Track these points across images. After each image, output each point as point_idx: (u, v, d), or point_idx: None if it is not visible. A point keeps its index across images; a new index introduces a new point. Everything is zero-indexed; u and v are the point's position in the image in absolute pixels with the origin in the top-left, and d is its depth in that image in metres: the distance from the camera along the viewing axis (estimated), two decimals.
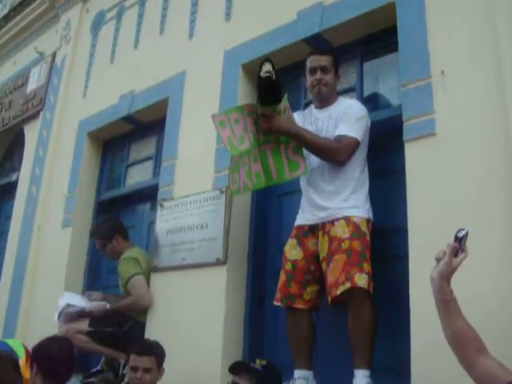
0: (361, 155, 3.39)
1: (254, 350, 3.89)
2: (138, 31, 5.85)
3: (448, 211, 2.99)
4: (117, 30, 6.18)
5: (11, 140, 8.01)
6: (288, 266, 3.40)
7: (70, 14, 7.01)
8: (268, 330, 4.04)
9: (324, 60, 3.51)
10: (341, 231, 3.19)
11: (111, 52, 6.11)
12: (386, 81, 3.98)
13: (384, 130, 3.60)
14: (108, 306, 4.49)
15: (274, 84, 3.29)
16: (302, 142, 3.39)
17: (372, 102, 3.94)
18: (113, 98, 5.71)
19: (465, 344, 1.98)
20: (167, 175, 4.78)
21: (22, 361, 3.27)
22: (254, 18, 4.58)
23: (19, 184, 6.95)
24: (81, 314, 4.48)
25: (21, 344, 3.48)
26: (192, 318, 4.09)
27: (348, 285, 3.05)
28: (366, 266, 3.10)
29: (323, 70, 3.49)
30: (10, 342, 3.59)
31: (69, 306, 4.49)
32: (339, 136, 3.34)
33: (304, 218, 3.46)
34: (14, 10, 7.90)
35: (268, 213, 4.30)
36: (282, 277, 3.42)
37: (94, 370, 4.60)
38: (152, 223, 5.05)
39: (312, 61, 3.54)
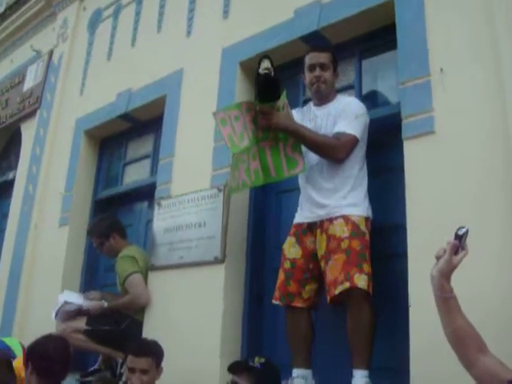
0: (360, 152, 3.38)
1: (253, 349, 3.87)
2: (136, 29, 5.83)
3: (447, 209, 2.98)
4: (114, 27, 6.16)
5: (8, 138, 7.98)
6: (287, 265, 3.39)
7: (67, 12, 6.99)
8: (266, 328, 4.03)
9: (323, 57, 3.50)
10: (340, 230, 3.18)
11: (108, 50, 6.09)
12: (384, 79, 3.97)
13: (383, 128, 3.59)
14: (106, 304, 4.48)
15: (272, 81, 3.28)
16: (301, 139, 3.37)
17: (371, 99, 3.93)
18: (110, 96, 5.70)
19: (465, 342, 1.97)
20: (165, 173, 4.76)
21: (19, 359, 3.26)
22: (251, 15, 4.56)
23: (16, 182, 6.93)
24: (78, 313, 4.46)
25: (18, 342, 3.46)
26: (190, 316, 4.07)
27: (347, 285, 3.04)
28: (366, 267, 3.09)
29: (322, 67, 3.48)
30: (8, 340, 3.58)
31: (66, 303, 4.47)
32: (338, 133, 3.33)
33: (302, 215, 3.45)
34: (11, 9, 7.87)
35: (266, 211, 4.29)
36: (281, 275, 3.41)
37: (92, 369, 4.59)
38: (149, 222, 5.04)
39: (311, 58, 3.52)
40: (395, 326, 3.25)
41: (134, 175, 5.71)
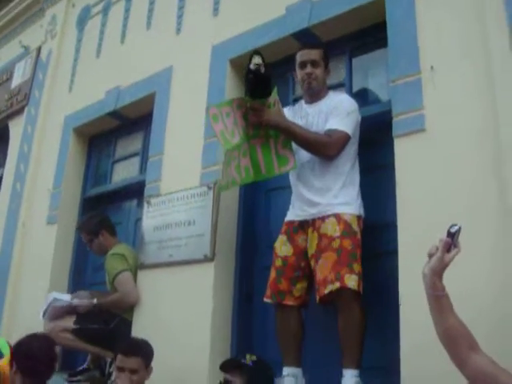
0: (351, 150, 3.37)
1: (243, 347, 3.86)
2: (125, 26, 5.78)
3: (437, 207, 2.98)
4: (103, 24, 6.11)
5: None
6: (278, 263, 3.37)
7: (56, 9, 6.93)
8: (256, 326, 4.02)
9: (314, 54, 3.48)
10: (331, 229, 3.16)
11: (97, 47, 6.05)
12: (375, 76, 3.97)
13: (373, 126, 3.58)
14: (95, 300, 4.44)
15: (263, 77, 3.24)
16: (292, 136, 3.35)
17: (361, 97, 3.91)
18: (99, 94, 5.65)
19: (457, 341, 1.96)
20: (154, 171, 4.73)
21: (6, 359, 3.23)
22: (242, 12, 4.54)
23: (3, 180, 6.88)
24: (67, 311, 4.42)
25: (5, 342, 3.43)
26: (179, 314, 4.05)
27: (337, 285, 3.02)
28: (356, 267, 3.08)
29: (313, 63, 3.46)
30: None
31: (56, 300, 4.43)
32: (329, 130, 3.31)
33: (294, 213, 3.43)
34: None
35: (256, 209, 4.27)
36: (272, 273, 3.39)
37: (80, 368, 4.56)
38: (139, 220, 5.01)
39: (302, 55, 3.50)
40: (386, 324, 3.24)
41: (123, 173, 5.67)
